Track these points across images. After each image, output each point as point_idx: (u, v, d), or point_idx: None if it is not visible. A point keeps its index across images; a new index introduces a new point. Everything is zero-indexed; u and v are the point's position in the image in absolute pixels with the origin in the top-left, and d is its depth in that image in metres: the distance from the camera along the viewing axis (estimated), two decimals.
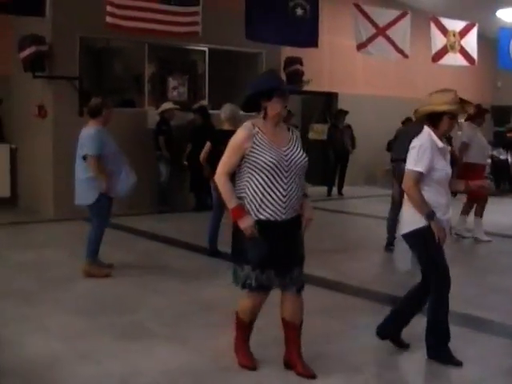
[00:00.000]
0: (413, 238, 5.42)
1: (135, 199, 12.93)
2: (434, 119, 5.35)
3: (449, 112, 5.31)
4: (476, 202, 10.92)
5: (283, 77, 15.33)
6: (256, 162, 4.83)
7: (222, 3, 13.53)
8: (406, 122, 18.56)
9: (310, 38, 12.92)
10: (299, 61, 15.54)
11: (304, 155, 4.99)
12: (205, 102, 14.34)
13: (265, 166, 4.81)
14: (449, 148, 5.54)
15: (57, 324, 6.36)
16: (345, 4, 15.61)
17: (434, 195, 5.30)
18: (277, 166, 4.82)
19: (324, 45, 15.99)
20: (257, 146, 4.84)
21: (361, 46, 14.35)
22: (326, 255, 9.36)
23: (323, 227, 11.34)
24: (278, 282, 4.96)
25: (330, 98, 18.86)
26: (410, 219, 5.37)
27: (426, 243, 5.30)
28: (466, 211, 11.08)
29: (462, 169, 10.36)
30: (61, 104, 12.54)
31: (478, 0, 17.88)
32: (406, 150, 5.43)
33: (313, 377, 5.04)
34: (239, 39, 12.59)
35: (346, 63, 18.38)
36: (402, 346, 5.74)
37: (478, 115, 10.47)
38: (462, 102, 5.44)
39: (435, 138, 5.31)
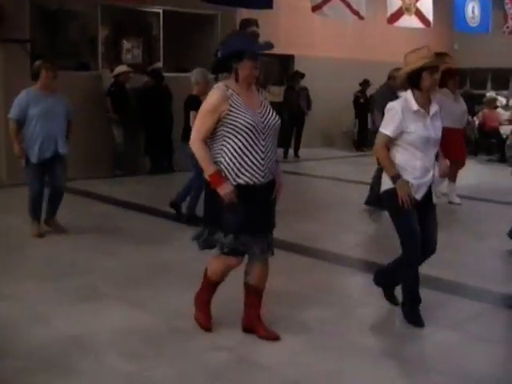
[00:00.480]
0: (384, 197, 5.50)
1: (90, 163, 12.90)
2: (414, 79, 5.31)
3: (427, 66, 5.25)
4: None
5: None
6: (233, 125, 4.71)
7: None
8: (363, 83, 18.73)
9: None
10: (255, 22, 15.39)
11: (277, 117, 4.94)
12: (160, 65, 14.22)
13: (243, 128, 4.70)
14: (435, 110, 5.43)
15: (10, 287, 6.33)
16: None
17: (408, 158, 5.30)
18: (255, 128, 4.72)
19: (280, 6, 15.90)
20: (233, 107, 4.72)
21: (316, 8, 14.25)
22: (282, 217, 9.38)
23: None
24: (256, 247, 4.87)
25: (287, 60, 18.82)
26: (384, 179, 5.46)
27: (393, 204, 5.34)
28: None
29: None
30: (12, 68, 12.32)
31: None
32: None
33: (277, 338, 5.07)
34: (194, 1, 12.47)
35: (303, 25, 18.31)
36: (393, 302, 5.82)
37: (448, 78, 10.58)
38: (440, 55, 5.42)
39: (412, 100, 5.30)
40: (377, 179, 9.67)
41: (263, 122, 4.80)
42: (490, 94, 19.16)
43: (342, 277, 7.08)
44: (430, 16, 16.64)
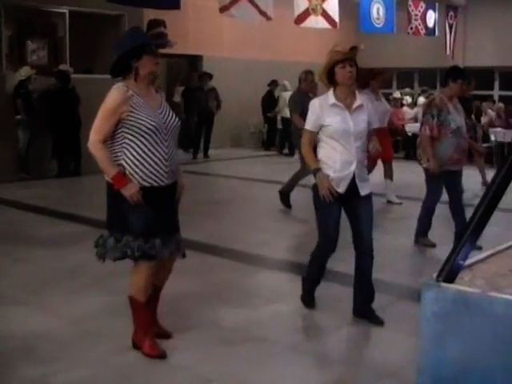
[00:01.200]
0: (313, 191, 5.53)
1: None
2: (329, 75, 5.43)
3: (334, 60, 5.36)
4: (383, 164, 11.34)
5: None
6: (135, 127, 4.58)
7: None
8: (272, 84, 18.87)
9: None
10: (163, 23, 15.36)
11: (177, 118, 4.88)
12: (66, 66, 13.98)
13: (146, 130, 4.58)
14: (358, 104, 5.46)
15: None
16: None
17: (328, 152, 5.39)
18: (158, 129, 4.62)
19: (188, 6, 15.89)
20: (134, 109, 4.58)
21: (224, 9, 14.27)
22: (190, 216, 9.45)
23: (190, 190, 11.42)
24: (165, 249, 4.77)
25: (195, 60, 18.81)
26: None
27: (314, 200, 5.48)
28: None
29: None
30: None
31: None
32: None
33: (168, 336, 5.10)
34: (100, 1, 12.33)
35: (211, 26, 18.29)
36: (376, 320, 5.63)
37: (371, 79, 10.82)
38: (353, 49, 5.54)
39: (330, 95, 5.41)
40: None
41: (165, 123, 4.71)
42: (396, 93, 19.57)
43: (250, 275, 7.14)
44: (336, 17, 16.86)
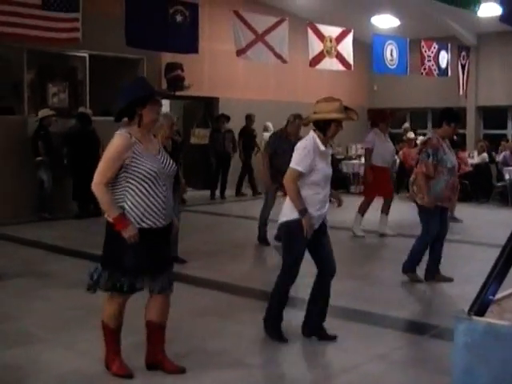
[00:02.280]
0: (283, 226, 5.98)
1: (16, 208, 12.80)
2: (322, 126, 5.85)
3: (336, 120, 5.81)
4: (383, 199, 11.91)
5: (164, 83, 15.48)
6: (138, 172, 4.84)
7: (101, 9, 13.56)
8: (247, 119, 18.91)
9: (190, 44, 13.10)
10: (180, 66, 15.68)
11: (174, 163, 5.14)
12: (85, 109, 14.24)
13: (147, 175, 4.85)
14: (330, 151, 6.08)
15: None
16: (224, 10, 15.84)
17: (312, 193, 5.81)
18: (157, 175, 4.90)
19: (204, 50, 16.15)
20: (137, 155, 4.85)
21: (240, 52, 14.60)
22: (208, 257, 9.62)
23: (206, 230, 11.58)
24: (156, 285, 5.06)
25: (211, 102, 19.04)
26: (286, 211, 5.91)
27: (292, 234, 5.88)
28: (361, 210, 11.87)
29: (367, 171, 11.69)
30: None
31: (352, 7, 18.49)
32: None
33: (182, 371, 5.23)
34: (119, 45, 12.61)
35: (226, 68, 18.55)
36: (330, 338, 6.09)
37: (380, 121, 11.76)
38: (347, 110, 5.96)
39: (319, 142, 5.82)
40: None
41: (163, 168, 4.99)
42: (409, 133, 19.68)
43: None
44: (350, 59, 17.17)
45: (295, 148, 5.91)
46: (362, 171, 19.16)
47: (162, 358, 5.25)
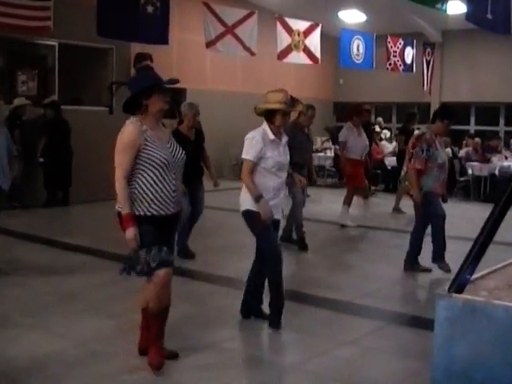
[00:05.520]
0: (245, 216, 6.17)
1: None
2: (269, 116, 6.10)
3: (280, 110, 6.04)
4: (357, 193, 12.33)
5: (133, 73, 15.50)
6: (150, 159, 4.90)
7: None
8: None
9: (160, 35, 13.12)
10: (149, 57, 15.72)
11: (183, 151, 5.20)
12: (55, 97, 14.26)
13: (159, 162, 4.91)
14: (285, 140, 6.26)
15: None
16: (194, 2, 15.94)
17: (264, 181, 6.05)
18: (168, 162, 4.96)
19: (173, 41, 16.19)
20: (148, 142, 4.91)
21: (210, 44, 14.72)
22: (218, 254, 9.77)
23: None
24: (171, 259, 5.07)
25: (179, 93, 19.10)
26: (244, 200, 6.14)
27: (254, 221, 6.08)
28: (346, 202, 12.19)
29: (344, 163, 12.02)
30: None
31: (321, 1, 18.70)
32: None
33: (176, 356, 5.32)
34: (89, 34, 12.62)
35: (195, 59, 18.66)
36: (265, 317, 6.31)
37: (355, 115, 12.04)
38: (295, 101, 6.29)
39: (269, 131, 6.07)
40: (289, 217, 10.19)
41: (173, 157, 5.06)
42: (376, 127, 19.97)
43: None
44: (317, 53, 17.37)
45: (245, 138, 6.14)
46: (327, 164, 19.53)
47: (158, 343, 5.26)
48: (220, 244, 10.34)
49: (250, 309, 6.44)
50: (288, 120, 6.29)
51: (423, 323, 6.26)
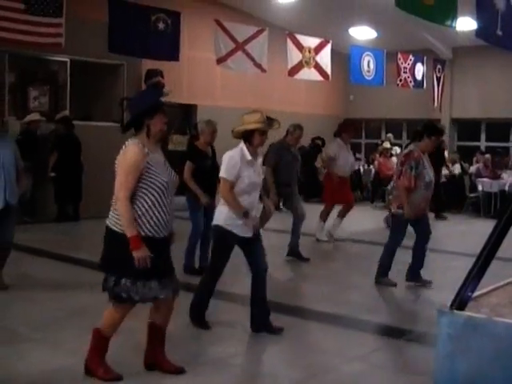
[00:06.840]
0: (214, 231, 6.46)
1: None
2: (247, 136, 6.30)
3: (257, 129, 6.25)
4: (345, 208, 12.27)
5: (144, 88, 15.58)
6: (152, 183, 4.93)
7: (83, 14, 13.68)
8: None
9: (171, 51, 13.24)
10: (160, 73, 15.83)
11: (176, 174, 5.25)
12: (67, 112, 14.36)
13: (160, 186, 4.94)
14: (260, 160, 6.56)
15: None
16: (203, 18, 16.05)
17: (239, 197, 6.26)
18: (168, 186, 5.01)
19: (183, 57, 16.28)
20: (151, 165, 4.94)
21: (221, 60, 14.77)
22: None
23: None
24: (163, 291, 5.07)
25: (189, 109, 19.18)
26: (218, 216, 6.41)
27: (222, 239, 6.39)
28: (323, 217, 12.28)
29: (327, 179, 12.10)
30: None
31: (331, 18, 18.75)
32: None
33: (182, 371, 5.33)
34: (101, 50, 12.76)
35: (205, 76, 18.70)
36: (275, 331, 6.45)
37: (343, 131, 12.14)
38: (269, 120, 6.41)
39: (246, 151, 6.27)
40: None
41: (170, 180, 5.10)
42: (386, 143, 19.98)
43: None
44: (328, 69, 17.36)
45: (223, 158, 6.32)
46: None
47: (163, 359, 5.35)
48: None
49: (259, 323, 6.48)
50: (265, 139, 6.43)
51: (430, 339, 6.26)
